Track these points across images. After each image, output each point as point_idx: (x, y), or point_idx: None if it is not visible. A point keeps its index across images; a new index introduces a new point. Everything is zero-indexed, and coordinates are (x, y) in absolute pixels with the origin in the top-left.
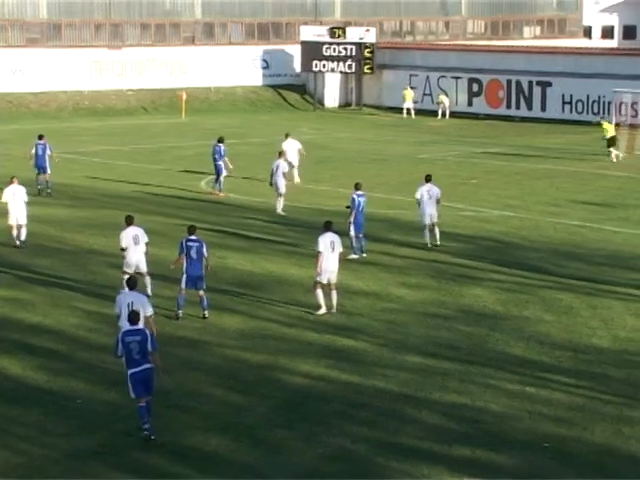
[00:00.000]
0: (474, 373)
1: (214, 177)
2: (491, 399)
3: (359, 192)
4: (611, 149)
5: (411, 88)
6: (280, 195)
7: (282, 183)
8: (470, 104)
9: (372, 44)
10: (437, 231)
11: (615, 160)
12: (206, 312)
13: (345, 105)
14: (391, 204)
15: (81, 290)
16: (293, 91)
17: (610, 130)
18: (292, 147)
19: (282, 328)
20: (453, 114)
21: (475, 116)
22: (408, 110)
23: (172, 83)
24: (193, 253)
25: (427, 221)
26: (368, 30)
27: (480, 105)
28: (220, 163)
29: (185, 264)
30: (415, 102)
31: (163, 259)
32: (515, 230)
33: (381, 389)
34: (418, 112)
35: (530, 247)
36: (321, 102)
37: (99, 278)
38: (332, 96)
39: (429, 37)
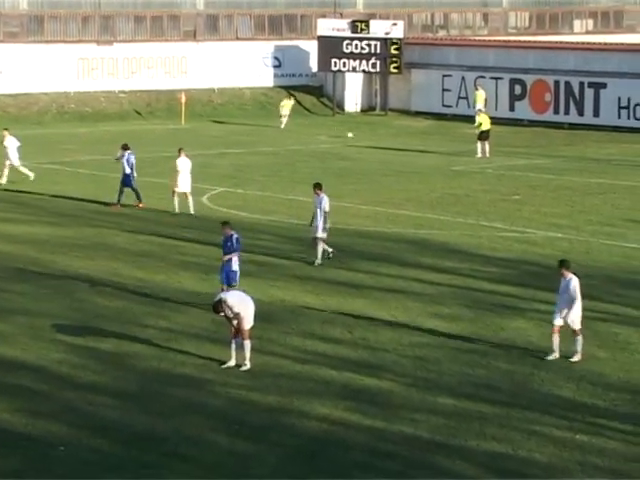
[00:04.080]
0: (516, 418)
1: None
2: (536, 448)
3: (231, 232)
4: (479, 143)
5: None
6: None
7: (188, 182)
8: (512, 109)
9: (399, 40)
10: (320, 247)
11: (481, 156)
12: None
13: (368, 109)
14: (421, 223)
15: (65, 321)
16: (309, 93)
17: (485, 123)
18: (186, 167)
19: (296, 365)
20: (492, 120)
21: (518, 122)
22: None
23: (170, 84)
24: None
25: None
26: (395, 24)
27: (523, 110)
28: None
29: None
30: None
31: (159, 284)
32: (563, 254)
33: (409, 436)
34: (452, 118)
35: (581, 273)
36: (341, 106)
37: (86, 307)
38: (353, 99)
39: (465, 32)
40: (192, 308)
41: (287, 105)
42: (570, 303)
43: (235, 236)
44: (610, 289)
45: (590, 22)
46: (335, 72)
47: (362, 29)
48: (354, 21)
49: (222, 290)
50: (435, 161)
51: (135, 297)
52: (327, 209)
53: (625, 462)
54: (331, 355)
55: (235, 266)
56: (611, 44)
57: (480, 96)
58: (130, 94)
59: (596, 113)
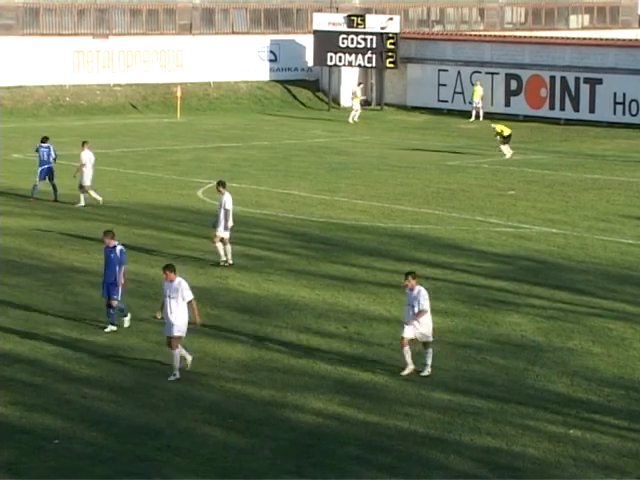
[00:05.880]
0: (511, 413)
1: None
2: (530, 443)
3: (114, 243)
4: (502, 146)
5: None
6: (88, 189)
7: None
8: (508, 104)
9: (395, 34)
10: (228, 247)
11: (509, 156)
12: None
13: (364, 104)
14: (417, 218)
15: (60, 314)
16: (305, 87)
17: (506, 130)
18: (89, 160)
19: (290, 359)
20: (488, 115)
21: (514, 118)
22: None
23: (166, 77)
24: None
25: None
26: (391, 18)
27: (519, 105)
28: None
29: None
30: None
31: (154, 278)
32: (559, 249)
33: (404, 430)
34: (448, 113)
35: (576, 268)
36: (336, 100)
37: (81, 300)
38: (349, 94)
39: (461, 26)
40: None
41: (356, 97)
42: (420, 315)
43: (119, 248)
44: (605, 285)
45: (586, 17)
46: (331, 67)
47: (358, 23)
48: (350, 15)
49: (113, 303)
50: (431, 156)
51: (130, 291)
52: (227, 207)
53: (619, 457)
54: (326, 349)
55: (120, 279)
56: (607, 40)
57: (477, 92)
58: (126, 87)
59: (592, 109)
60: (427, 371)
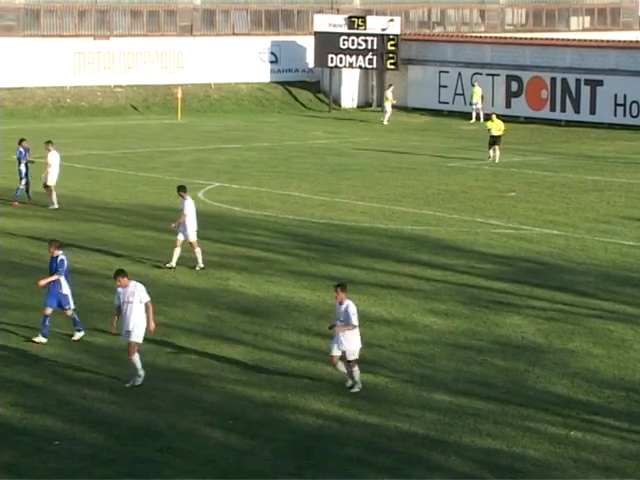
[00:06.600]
0: (511, 414)
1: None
2: (531, 444)
3: (57, 253)
4: (496, 147)
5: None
6: (53, 189)
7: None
8: (508, 105)
9: (396, 36)
10: (178, 251)
11: (497, 160)
12: None
13: (365, 105)
14: (417, 219)
15: (60, 315)
16: (305, 89)
17: (499, 127)
18: (56, 160)
19: (291, 361)
20: (489, 116)
21: (514, 119)
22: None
23: (167, 79)
24: None
25: (189, 239)
26: (392, 20)
27: (520, 107)
28: (21, 168)
29: None
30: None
31: (154, 279)
32: (559, 250)
33: (404, 432)
34: (449, 114)
35: (576, 270)
36: (337, 102)
37: (81, 301)
38: (350, 95)
39: (462, 28)
40: (188, 303)
41: (388, 99)
42: (347, 331)
43: (60, 258)
44: (605, 286)
45: (587, 19)
46: (332, 68)
47: (359, 25)
48: (351, 17)
49: (68, 314)
50: (431, 158)
51: None
52: (186, 212)
53: (619, 459)
54: (326, 351)
55: (65, 289)
56: (608, 41)
57: (476, 93)
58: (126, 89)
59: (592, 110)
60: (357, 387)
